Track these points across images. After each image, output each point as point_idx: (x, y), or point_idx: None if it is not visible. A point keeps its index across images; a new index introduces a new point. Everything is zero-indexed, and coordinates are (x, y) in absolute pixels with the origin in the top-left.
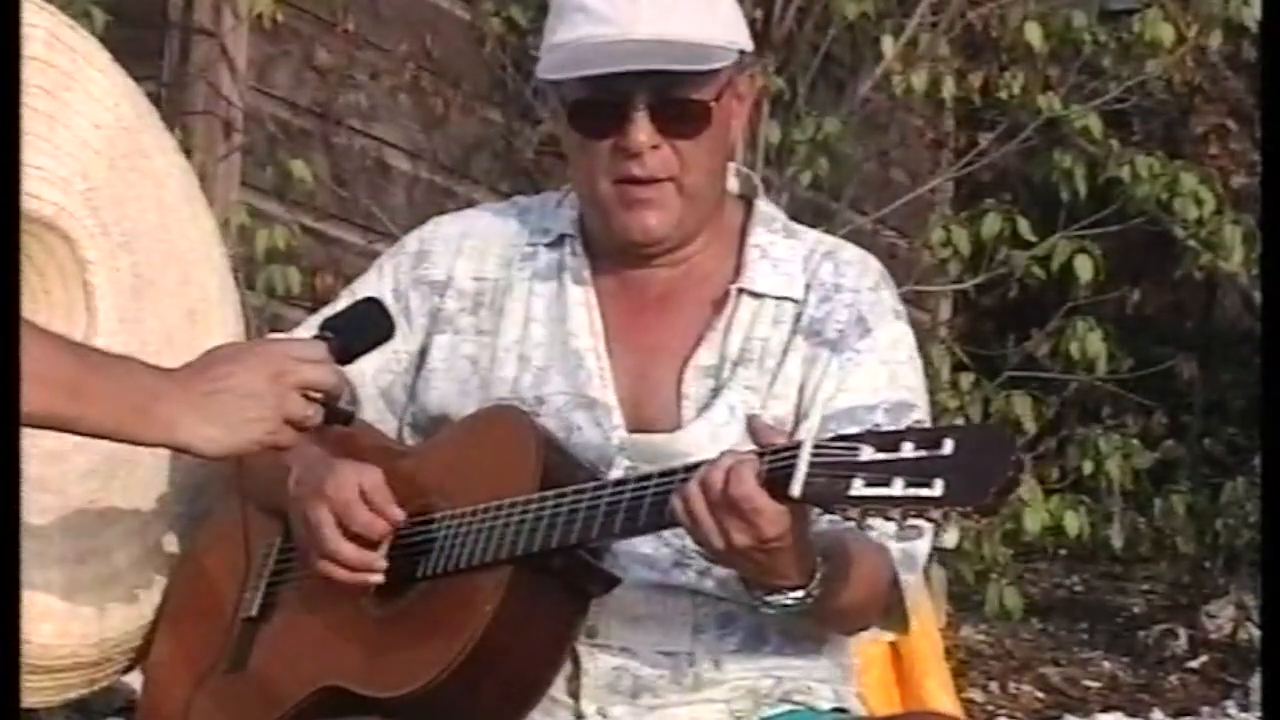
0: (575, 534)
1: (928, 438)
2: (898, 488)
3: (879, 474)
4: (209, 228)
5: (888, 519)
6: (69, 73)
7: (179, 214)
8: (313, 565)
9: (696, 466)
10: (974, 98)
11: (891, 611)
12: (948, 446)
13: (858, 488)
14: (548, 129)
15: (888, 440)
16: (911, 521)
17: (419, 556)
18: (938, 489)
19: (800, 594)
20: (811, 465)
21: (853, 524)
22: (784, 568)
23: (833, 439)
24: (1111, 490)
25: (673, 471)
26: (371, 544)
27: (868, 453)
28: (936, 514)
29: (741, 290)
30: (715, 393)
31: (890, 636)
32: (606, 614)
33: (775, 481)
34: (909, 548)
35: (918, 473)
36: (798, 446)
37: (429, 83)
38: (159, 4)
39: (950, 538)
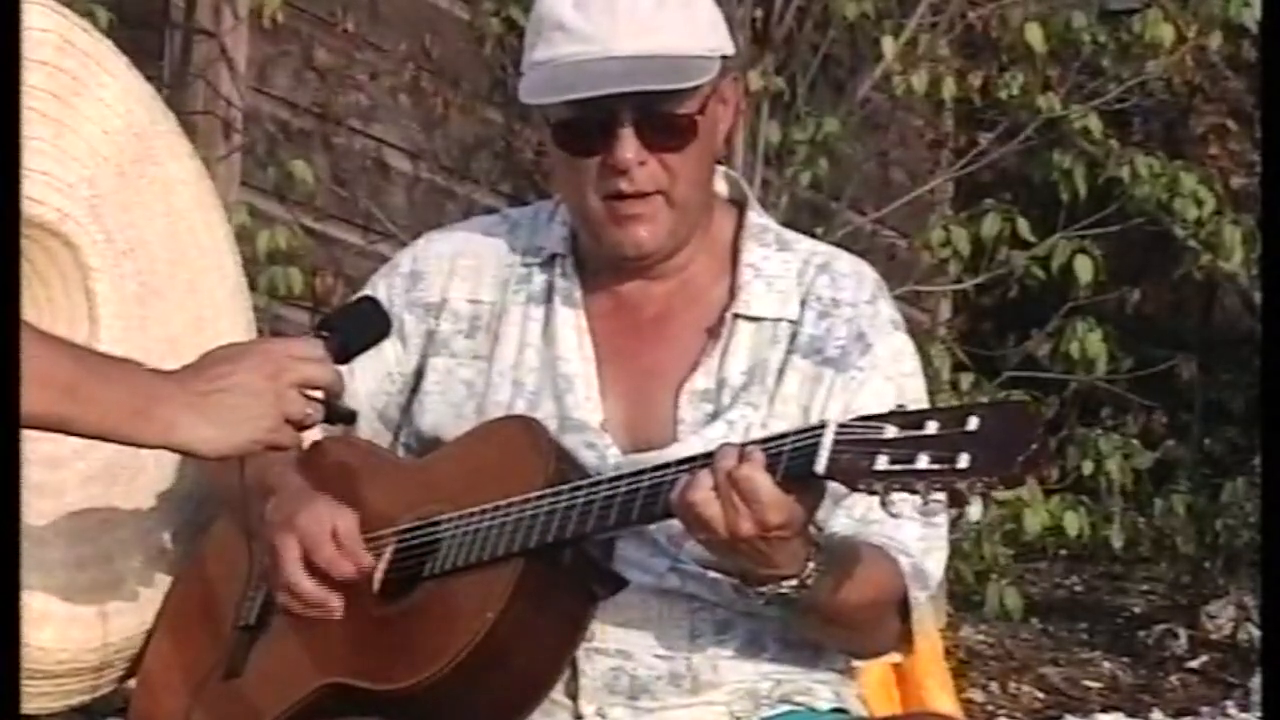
0: (591, 523)
1: (952, 415)
2: (923, 462)
3: (904, 450)
4: (221, 234)
5: (913, 492)
6: (79, 78)
7: (189, 220)
8: (272, 592)
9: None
10: (974, 98)
11: (902, 632)
12: (972, 423)
13: (882, 463)
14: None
15: (912, 419)
16: (935, 495)
17: (425, 557)
18: (963, 462)
19: (794, 582)
20: (836, 442)
21: (875, 497)
22: (781, 559)
23: (857, 418)
24: (1111, 490)
25: (692, 459)
26: (333, 583)
27: (892, 431)
28: (962, 485)
29: (737, 315)
30: (714, 416)
31: (896, 657)
32: (603, 617)
33: (798, 461)
34: (918, 562)
35: (942, 448)
36: (822, 426)
37: (429, 83)
38: (159, 4)
39: (975, 510)
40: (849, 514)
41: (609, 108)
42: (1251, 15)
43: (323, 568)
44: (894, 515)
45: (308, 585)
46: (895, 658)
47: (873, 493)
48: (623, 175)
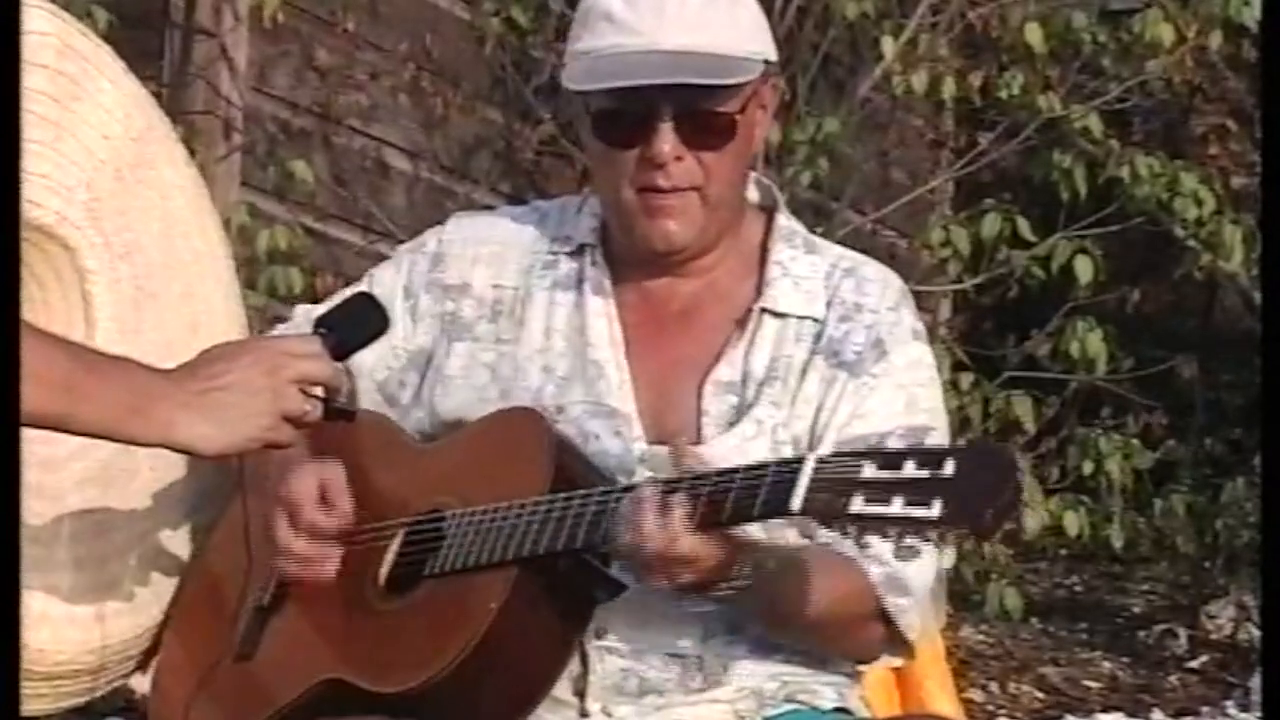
0: (581, 537)
1: (930, 458)
2: (896, 506)
3: (879, 492)
4: (216, 239)
5: (885, 537)
6: (79, 82)
7: (184, 225)
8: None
9: (703, 477)
10: (974, 98)
11: (892, 638)
12: (949, 467)
13: (857, 505)
14: (548, 129)
15: (891, 459)
16: (908, 541)
17: (428, 553)
18: (935, 510)
19: (725, 584)
20: (813, 481)
21: (849, 540)
22: (716, 576)
23: (836, 454)
24: (1111, 490)
25: (678, 480)
26: (325, 538)
27: (869, 470)
28: (933, 534)
29: (764, 310)
30: (737, 410)
31: (897, 661)
32: (616, 615)
33: (775, 495)
34: (894, 571)
35: (917, 493)
36: (801, 461)
37: (429, 83)
38: (159, 4)
39: (946, 559)
40: None
41: (649, 101)
42: (1251, 15)
43: (308, 528)
44: (871, 558)
45: (300, 545)
46: (895, 662)
47: (845, 534)
48: (659, 169)
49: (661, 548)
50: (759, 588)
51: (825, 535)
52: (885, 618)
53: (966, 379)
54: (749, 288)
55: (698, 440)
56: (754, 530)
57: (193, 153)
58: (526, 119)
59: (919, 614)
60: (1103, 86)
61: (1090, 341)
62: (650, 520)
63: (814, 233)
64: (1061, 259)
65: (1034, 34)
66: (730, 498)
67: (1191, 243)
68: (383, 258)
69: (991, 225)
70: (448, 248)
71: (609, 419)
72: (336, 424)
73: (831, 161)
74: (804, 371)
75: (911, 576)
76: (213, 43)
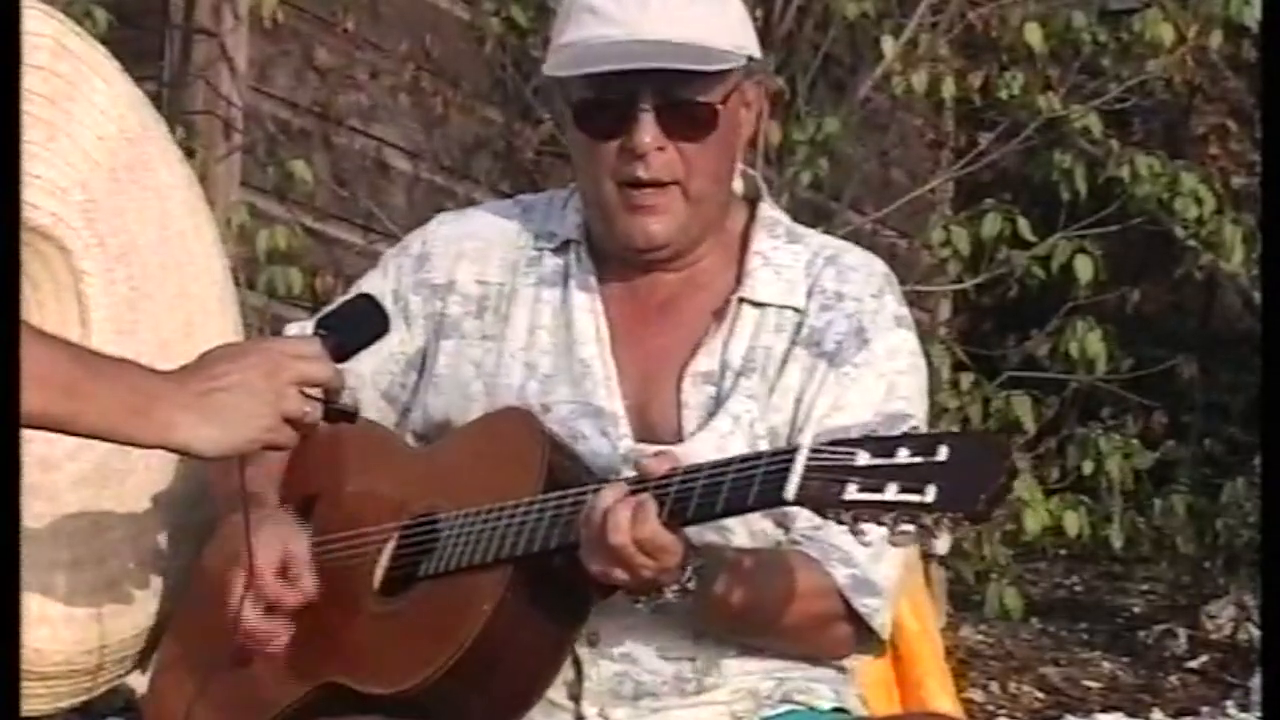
0: (574, 534)
1: (924, 444)
2: (891, 493)
3: (873, 479)
4: (210, 239)
5: (880, 524)
6: (73, 82)
7: (180, 226)
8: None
9: (698, 469)
10: (974, 98)
11: (862, 635)
12: (943, 453)
13: (851, 492)
14: (548, 129)
15: (884, 446)
16: (903, 527)
17: (422, 556)
18: (930, 495)
19: (675, 587)
20: (807, 469)
21: (845, 527)
22: (669, 578)
23: (830, 443)
24: (1111, 490)
25: (669, 476)
26: (283, 614)
27: (864, 458)
28: (928, 520)
29: (743, 300)
30: (716, 401)
31: (868, 657)
32: (609, 620)
33: (768, 485)
34: (860, 572)
35: (911, 478)
36: (794, 450)
37: (429, 83)
38: (159, 4)
39: (942, 545)
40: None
41: (630, 89)
42: (1252, 15)
43: (270, 603)
44: (865, 545)
45: (253, 620)
46: (867, 658)
47: (840, 522)
48: (640, 160)
49: (630, 537)
50: (717, 585)
51: (802, 527)
52: (853, 618)
53: (966, 379)
54: (730, 277)
55: (678, 433)
56: (712, 533)
57: (193, 153)
58: (526, 119)
59: (889, 611)
60: (1103, 86)
61: (1090, 341)
62: (622, 511)
63: None
64: (1061, 259)
65: (1034, 34)
66: (724, 488)
67: (1191, 243)
68: None
69: (991, 225)
70: (432, 247)
71: (596, 418)
72: (336, 426)
73: (831, 161)
74: (784, 362)
75: (880, 579)
76: (213, 43)
